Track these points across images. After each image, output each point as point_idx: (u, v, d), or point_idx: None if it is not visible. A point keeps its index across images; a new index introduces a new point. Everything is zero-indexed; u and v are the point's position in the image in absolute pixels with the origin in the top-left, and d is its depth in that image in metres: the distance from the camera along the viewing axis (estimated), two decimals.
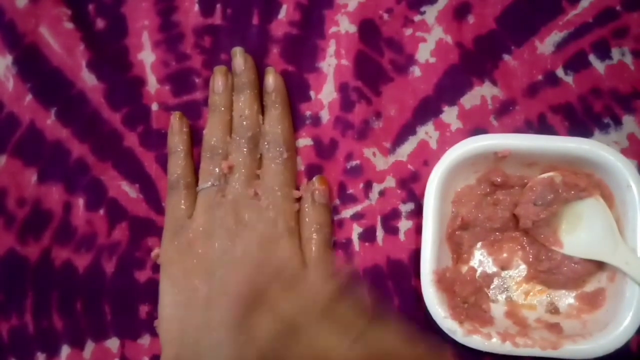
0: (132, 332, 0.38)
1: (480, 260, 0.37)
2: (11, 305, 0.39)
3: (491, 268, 0.37)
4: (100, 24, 0.41)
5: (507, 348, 0.33)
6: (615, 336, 0.33)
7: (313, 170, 0.38)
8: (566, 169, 0.35)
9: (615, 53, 0.38)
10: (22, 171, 0.40)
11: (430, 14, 0.39)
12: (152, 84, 0.40)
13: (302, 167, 0.39)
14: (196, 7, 0.40)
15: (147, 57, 0.40)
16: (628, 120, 0.37)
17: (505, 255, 0.37)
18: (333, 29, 0.39)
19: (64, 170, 0.40)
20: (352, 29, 0.39)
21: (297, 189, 0.38)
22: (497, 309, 0.36)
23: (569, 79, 0.38)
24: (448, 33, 0.39)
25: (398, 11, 0.39)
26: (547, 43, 0.38)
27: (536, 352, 0.33)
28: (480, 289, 0.36)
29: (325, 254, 0.37)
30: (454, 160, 0.35)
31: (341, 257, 0.38)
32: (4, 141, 0.40)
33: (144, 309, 0.38)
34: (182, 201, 0.37)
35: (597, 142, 0.34)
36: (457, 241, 0.37)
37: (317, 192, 0.37)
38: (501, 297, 0.37)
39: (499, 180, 0.36)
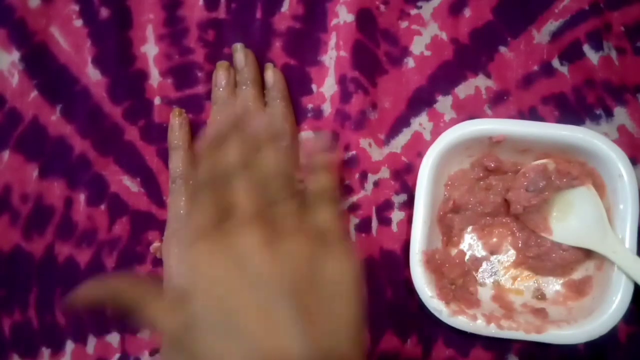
0: (132, 326, 0.40)
1: (470, 243, 0.39)
2: (15, 301, 0.41)
3: (480, 252, 0.39)
4: (104, 13, 0.42)
5: (491, 330, 0.35)
6: (600, 323, 0.34)
7: None
8: (560, 156, 0.37)
9: (607, 45, 0.39)
10: (23, 166, 0.42)
11: (426, 9, 0.41)
12: (155, 77, 0.42)
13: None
14: (201, 1, 0.42)
15: (150, 49, 0.42)
16: (619, 112, 0.39)
17: (495, 240, 0.39)
18: (334, 21, 0.41)
19: (66, 166, 0.41)
20: (350, 18, 0.41)
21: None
22: (485, 292, 0.38)
23: (564, 69, 0.40)
24: (443, 30, 0.41)
25: (394, 3, 0.41)
26: (543, 32, 0.40)
27: (520, 335, 0.35)
28: (468, 272, 0.38)
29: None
30: (448, 144, 0.36)
31: None
32: (6, 136, 0.42)
33: None
34: (183, 198, 0.39)
35: (591, 131, 0.36)
36: (448, 224, 0.38)
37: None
38: (489, 281, 0.39)
39: (492, 165, 0.38)
